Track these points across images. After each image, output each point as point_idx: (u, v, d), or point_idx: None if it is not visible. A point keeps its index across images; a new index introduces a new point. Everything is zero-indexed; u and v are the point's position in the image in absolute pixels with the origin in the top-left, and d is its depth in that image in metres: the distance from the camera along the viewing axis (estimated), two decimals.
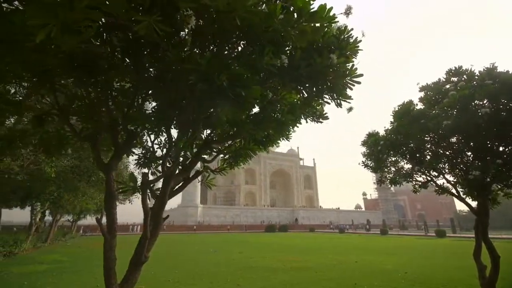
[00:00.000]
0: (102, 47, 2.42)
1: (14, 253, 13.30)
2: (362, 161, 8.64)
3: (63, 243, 22.50)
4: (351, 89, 3.22)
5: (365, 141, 8.29)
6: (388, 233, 41.40)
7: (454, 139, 7.45)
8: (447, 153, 7.71)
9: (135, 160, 4.04)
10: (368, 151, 8.49)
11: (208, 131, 3.86)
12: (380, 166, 8.45)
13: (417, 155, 7.98)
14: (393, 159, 8.54)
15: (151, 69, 3.00)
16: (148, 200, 3.10)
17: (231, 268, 10.27)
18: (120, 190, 2.72)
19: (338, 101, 3.70)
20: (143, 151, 3.94)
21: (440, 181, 7.39)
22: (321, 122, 4.32)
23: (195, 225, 51.51)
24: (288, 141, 5.19)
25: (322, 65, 2.59)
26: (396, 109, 7.12)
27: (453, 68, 6.20)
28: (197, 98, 2.37)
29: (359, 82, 3.10)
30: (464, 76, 6.04)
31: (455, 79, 6.33)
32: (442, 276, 8.64)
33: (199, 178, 3.91)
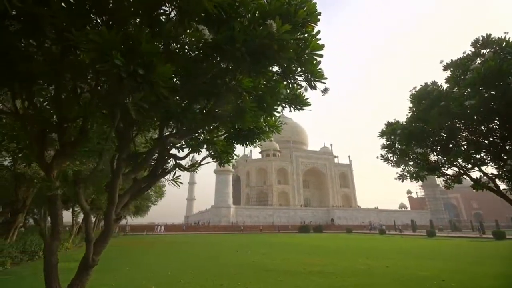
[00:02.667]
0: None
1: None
2: (381, 154, 7.75)
3: None
4: (313, 64, 2.71)
5: (383, 132, 7.39)
6: (436, 235, 37.54)
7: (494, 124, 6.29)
8: (485, 141, 6.55)
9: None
10: (388, 142, 7.59)
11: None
12: (402, 158, 7.49)
13: (450, 145, 6.91)
14: (420, 150, 7.52)
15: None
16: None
17: (247, 270, 9.98)
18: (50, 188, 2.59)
19: (313, 83, 3.22)
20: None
21: (475, 174, 6.25)
22: (302, 110, 3.82)
23: (242, 225, 52.38)
24: (279, 133, 4.76)
25: (261, 35, 2.15)
26: (414, 92, 6.15)
27: (480, 38, 5.11)
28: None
29: (320, 55, 2.59)
30: (496, 46, 4.94)
31: (485, 51, 5.24)
32: (487, 286, 7.33)
33: (170, 176, 3.69)
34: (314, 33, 2.71)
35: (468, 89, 4.93)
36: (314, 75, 3.09)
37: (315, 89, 3.25)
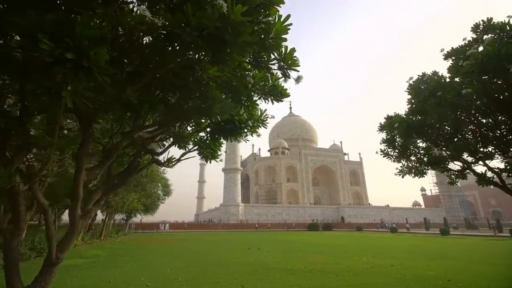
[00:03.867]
0: None
1: None
2: (381, 149, 7.44)
3: (114, 239, 24.85)
4: (278, 50, 2.53)
5: (383, 126, 7.07)
6: (450, 233, 36.31)
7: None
8: (491, 134, 6.17)
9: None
10: (388, 137, 7.28)
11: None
12: (404, 153, 7.17)
13: (454, 139, 6.54)
14: (423, 144, 7.18)
15: None
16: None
17: (247, 269, 9.87)
18: None
19: (287, 71, 3.05)
20: None
21: (478, 169, 5.87)
22: (281, 101, 3.64)
23: (256, 224, 52.76)
24: (265, 127, 4.60)
25: (213, 18, 2.00)
26: (411, 82, 5.80)
27: (481, 22, 4.73)
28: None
29: (284, 39, 2.41)
30: (498, 31, 4.56)
31: (487, 36, 4.87)
32: (494, 287, 6.94)
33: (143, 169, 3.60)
34: (283, 17, 2.53)
35: (469, 78, 4.60)
36: (287, 63, 2.92)
37: (289, 77, 3.07)
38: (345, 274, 8.80)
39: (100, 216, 24.40)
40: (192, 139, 3.48)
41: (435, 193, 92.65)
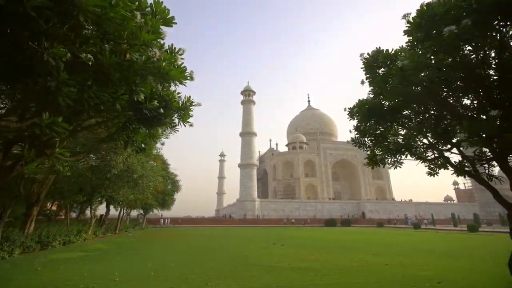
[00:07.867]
0: None
1: (72, 242, 15.72)
2: (352, 138, 6.77)
3: (127, 233, 25.87)
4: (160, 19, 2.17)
5: (351, 111, 6.35)
6: (479, 230, 33.38)
7: None
8: (482, 117, 5.36)
9: None
10: (358, 124, 6.60)
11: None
12: (382, 142, 6.45)
13: (441, 124, 5.76)
14: (403, 132, 6.43)
15: None
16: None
17: (228, 265, 9.64)
18: None
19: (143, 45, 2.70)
20: None
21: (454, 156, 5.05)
22: (179, 84, 3.29)
23: (293, 219, 52.51)
24: (189, 115, 4.33)
25: None
26: (363, 60, 5.03)
27: None
28: None
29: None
30: None
31: None
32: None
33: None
34: None
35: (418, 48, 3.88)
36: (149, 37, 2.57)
37: (151, 52, 2.71)
38: (326, 273, 8.26)
39: (113, 211, 25.44)
40: (58, 128, 3.22)
41: (468, 187, 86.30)
